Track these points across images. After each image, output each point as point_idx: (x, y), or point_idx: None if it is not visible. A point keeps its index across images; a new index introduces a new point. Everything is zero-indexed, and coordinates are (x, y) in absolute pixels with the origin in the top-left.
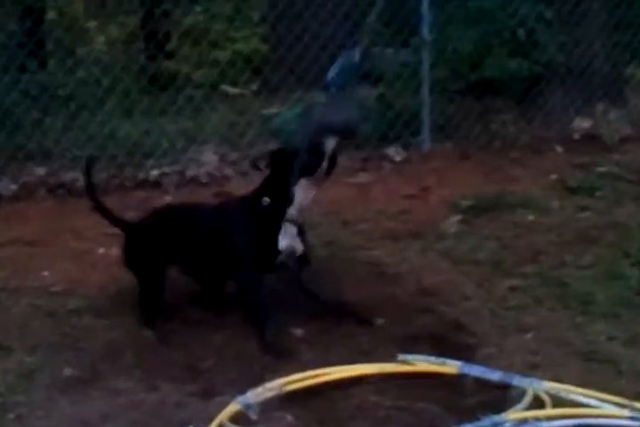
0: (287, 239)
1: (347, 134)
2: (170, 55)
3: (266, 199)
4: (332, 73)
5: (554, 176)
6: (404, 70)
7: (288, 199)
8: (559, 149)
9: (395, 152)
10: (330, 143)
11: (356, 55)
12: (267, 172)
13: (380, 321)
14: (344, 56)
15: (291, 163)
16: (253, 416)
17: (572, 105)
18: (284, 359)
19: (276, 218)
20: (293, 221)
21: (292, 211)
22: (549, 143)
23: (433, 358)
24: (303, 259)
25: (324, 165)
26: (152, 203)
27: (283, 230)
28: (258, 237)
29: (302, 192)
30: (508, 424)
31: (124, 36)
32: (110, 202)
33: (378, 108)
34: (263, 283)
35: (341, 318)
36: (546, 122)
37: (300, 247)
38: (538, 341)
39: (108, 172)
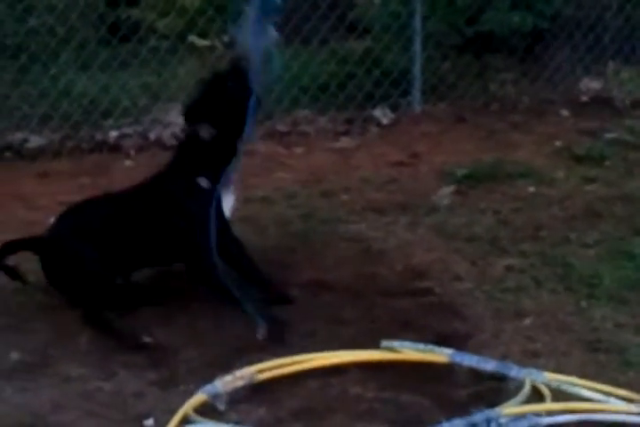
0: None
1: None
2: (132, 1)
3: (203, 179)
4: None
5: (558, 143)
6: (394, 22)
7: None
8: (565, 112)
9: (381, 114)
10: None
11: None
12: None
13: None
14: None
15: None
16: (221, 407)
17: (580, 64)
18: (279, 342)
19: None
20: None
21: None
22: (554, 106)
23: (421, 346)
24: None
25: None
26: (110, 167)
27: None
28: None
29: None
30: (503, 420)
31: None
32: (63, 166)
33: (363, 64)
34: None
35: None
36: (551, 82)
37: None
38: (537, 327)
39: (62, 132)
